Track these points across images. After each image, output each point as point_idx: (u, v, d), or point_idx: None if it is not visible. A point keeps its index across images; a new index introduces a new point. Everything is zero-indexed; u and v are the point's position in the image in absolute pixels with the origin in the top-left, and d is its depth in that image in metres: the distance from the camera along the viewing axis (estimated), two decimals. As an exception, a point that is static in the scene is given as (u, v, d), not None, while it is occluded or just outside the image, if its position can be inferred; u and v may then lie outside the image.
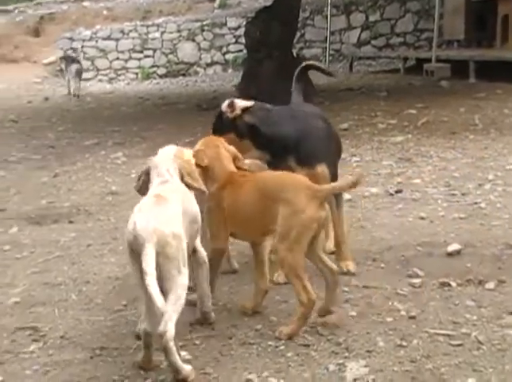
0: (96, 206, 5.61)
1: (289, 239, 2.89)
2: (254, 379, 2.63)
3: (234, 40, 17.82)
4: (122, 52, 18.47)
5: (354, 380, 2.58)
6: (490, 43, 13.24)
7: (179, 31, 18.23)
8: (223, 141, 3.34)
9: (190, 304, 3.01)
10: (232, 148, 3.33)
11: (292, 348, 2.85)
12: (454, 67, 11.87)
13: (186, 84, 16.77)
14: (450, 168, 5.97)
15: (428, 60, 12.71)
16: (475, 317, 3.04)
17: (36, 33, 20.10)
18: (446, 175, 5.73)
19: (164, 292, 2.57)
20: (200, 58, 18.17)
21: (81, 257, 4.33)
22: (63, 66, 16.03)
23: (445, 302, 3.24)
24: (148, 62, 18.39)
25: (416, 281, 3.48)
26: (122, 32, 18.45)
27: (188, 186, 2.98)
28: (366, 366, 2.66)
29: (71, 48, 18.43)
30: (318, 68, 4.62)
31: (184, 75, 18.07)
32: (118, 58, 18.50)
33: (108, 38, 18.51)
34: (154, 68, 18.36)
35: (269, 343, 2.91)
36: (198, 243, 3.09)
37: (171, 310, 2.57)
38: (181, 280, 2.65)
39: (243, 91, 10.22)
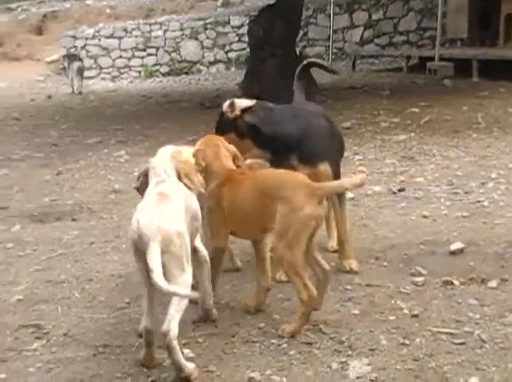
0: (99, 204, 5.62)
1: (288, 236, 2.89)
2: (256, 377, 2.63)
3: (237, 38, 17.81)
4: (125, 50, 18.48)
5: (357, 378, 2.58)
6: (493, 42, 13.21)
7: (182, 29, 18.23)
8: (223, 140, 3.35)
9: (192, 302, 3.01)
10: (232, 147, 3.33)
11: (295, 347, 2.85)
12: (457, 65, 11.83)
13: (189, 83, 16.76)
14: (453, 166, 5.96)
15: (431, 59, 12.67)
16: (477, 316, 3.04)
17: (39, 31, 20.10)
18: (449, 174, 5.72)
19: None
20: (203, 56, 18.17)
21: (84, 255, 4.34)
22: (65, 64, 16.09)
23: (448, 300, 3.24)
24: (151, 60, 18.39)
25: (419, 279, 3.48)
26: (125, 30, 18.46)
27: (186, 186, 2.99)
28: (368, 364, 2.66)
29: (74, 47, 18.46)
30: (321, 66, 4.59)
31: (186, 73, 18.07)
32: (120, 56, 18.51)
33: (111, 36, 18.51)
34: (157, 67, 18.36)
35: (272, 341, 2.91)
36: (198, 241, 3.10)
37: (174, 309, 2.58)
38: (185, 278, 2.66)
39: (246, 90, 10.22)
